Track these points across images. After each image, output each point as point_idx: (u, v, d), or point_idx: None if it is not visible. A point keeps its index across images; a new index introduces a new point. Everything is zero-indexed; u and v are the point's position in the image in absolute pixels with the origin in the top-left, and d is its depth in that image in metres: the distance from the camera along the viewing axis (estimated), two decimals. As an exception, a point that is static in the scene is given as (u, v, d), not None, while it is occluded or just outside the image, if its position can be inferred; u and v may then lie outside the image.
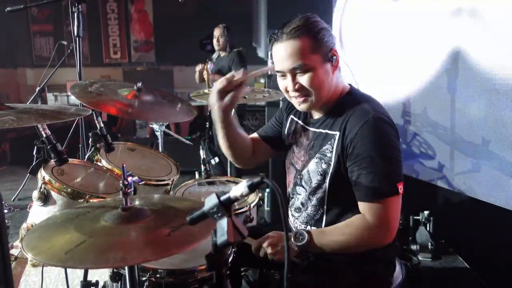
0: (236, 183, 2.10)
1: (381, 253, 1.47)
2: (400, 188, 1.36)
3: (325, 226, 1.51)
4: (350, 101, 1.47)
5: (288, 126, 1.69)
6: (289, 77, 1.43)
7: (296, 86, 1.43)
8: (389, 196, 1.35)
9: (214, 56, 4.43)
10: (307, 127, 1.58)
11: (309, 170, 1.52)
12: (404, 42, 2.96)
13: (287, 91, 1.47)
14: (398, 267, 1.60)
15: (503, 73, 2.17)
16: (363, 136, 1.36)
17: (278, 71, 1.45)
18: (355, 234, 1.38)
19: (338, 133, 1.43)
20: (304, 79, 1.41)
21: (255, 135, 1.81)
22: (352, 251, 1.42)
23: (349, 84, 1.56)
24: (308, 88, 1.42)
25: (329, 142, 1.46)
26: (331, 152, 1.45)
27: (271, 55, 1.48)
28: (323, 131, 1.50)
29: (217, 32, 4.24)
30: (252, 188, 0.93)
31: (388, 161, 1.36)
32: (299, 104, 1.48)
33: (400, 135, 1.50)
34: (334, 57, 1.43)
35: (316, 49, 1.39)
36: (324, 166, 1.47)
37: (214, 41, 4.27)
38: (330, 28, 1.45)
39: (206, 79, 4.27)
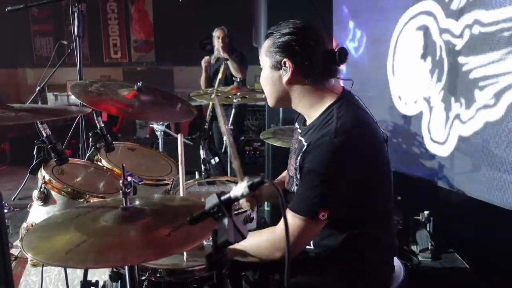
0: (236, 183, 2.10)
1: (377, 254, 1.48)
2: (322, 215, 1.30)
3: (313, 244, 1.48)
4: (330, 113, 1.40)
5: (294, 134, 1.69)
6: None
7: None
8: (304, 216, 1.32)
9: (213, 57, 4.41)
10: (299, 135, 1.55)
11: (294, 179, 1.50)
12: (403, 42, 2.96)
13: None
14: (398, 267, 1.60)
15: (503, 73, 2.17)
16: (314, 153, 1.34)
17: None
18: (259, 238, 1.41)
19: (306, 144, 1.41)
20: None
21: None
22: (253, 256, 1.42)
23: (342, 87, 1.49)
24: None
25: (301, 152, 1.44)
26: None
27: None
28: (303, 140, 1.47)
29: (220, 33, 4.19)
30: (252, 188, 0.93)
31: (320, 185, 1.31)
32: None
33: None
34: (285, 68, 1.40)
35: (270, 53, 1.43)
36: (298, 176, 1.44)
37: (217, 42, 4.25)
38: (318, 40, 1.39)
39: (219, 78, 4.26)
